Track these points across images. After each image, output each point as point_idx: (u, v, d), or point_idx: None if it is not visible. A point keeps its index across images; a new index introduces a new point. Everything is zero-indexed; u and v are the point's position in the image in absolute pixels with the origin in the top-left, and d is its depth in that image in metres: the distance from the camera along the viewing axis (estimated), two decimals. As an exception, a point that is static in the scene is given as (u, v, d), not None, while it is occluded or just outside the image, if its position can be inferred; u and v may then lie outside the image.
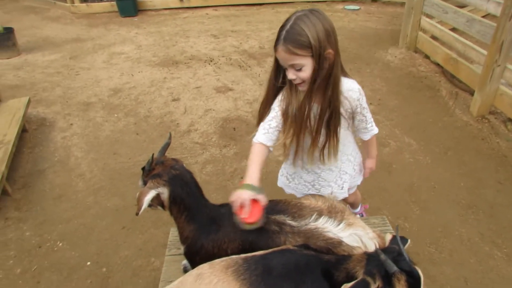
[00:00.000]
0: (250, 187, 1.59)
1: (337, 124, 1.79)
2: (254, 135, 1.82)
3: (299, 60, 1.59)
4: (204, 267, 1.45)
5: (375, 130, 1.98)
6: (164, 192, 1.65)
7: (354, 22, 7.29)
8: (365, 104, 1.84)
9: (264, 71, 5.34)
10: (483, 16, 4.64)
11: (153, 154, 1.70)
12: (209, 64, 5.65)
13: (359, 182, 2.27)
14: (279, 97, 1.80)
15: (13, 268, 2.64)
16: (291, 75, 1.64)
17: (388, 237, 1.49)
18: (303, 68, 1.61)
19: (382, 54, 5.75)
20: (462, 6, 5.05)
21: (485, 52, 4.03)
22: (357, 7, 8.13)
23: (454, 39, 4.72)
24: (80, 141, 3.98)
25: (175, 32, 7.12)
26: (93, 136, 4.05)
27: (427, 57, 5.42)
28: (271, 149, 1.83)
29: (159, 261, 2.58)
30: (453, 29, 4.92)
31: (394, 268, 1.23)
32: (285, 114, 1.78)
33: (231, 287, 1.36)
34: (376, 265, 1.28)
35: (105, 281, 2.52)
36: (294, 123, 1.77)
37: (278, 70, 1.74)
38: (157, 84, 5.09)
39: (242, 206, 1.54)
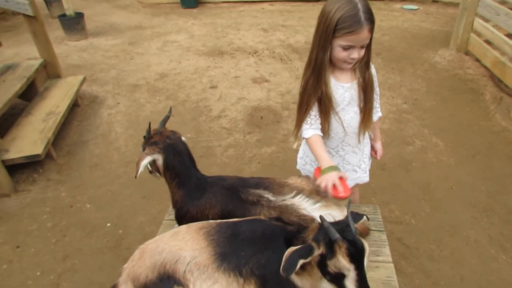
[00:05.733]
0: (333, 168, 1.71)
1: (373, 97, 1.85)
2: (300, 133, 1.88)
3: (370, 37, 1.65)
4: (182, 227, 1.63)
5: (379, 113, 2.02)
6: (159, 159, 1.84)
7: (409, 21, 7.12)
8: (377, 87, 1.89)
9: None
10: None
11: (150, 124, 1.90)
12: (252, 56, 5.82)
13: (366, 179, 2.18)
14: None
15: (46, 222, 2.99)
16: (356, 54, 1.66)
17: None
18: (366, 45, 1.66)
19: (431, 55, 5.59)
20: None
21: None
22: (415, 7, 7.91)
23: (504, 43, 4.53)
24: (122, 118, 4.33)
25: (228, 24, 7.37)
26: (134, 115, 4.39)
27: (477, 60, 5.22)
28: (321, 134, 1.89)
29: (168, 229, 2.81)
30: (508, 35, 4.71)
31: (336, 235, 1.32)
32: (318, 99, 1.82)
33: (199, 244, 1.53)
34: (324, 234, 1.39)
35: (119, 241, 2.79)
36: (325, 106, 1.81)
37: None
38: (200, 72, 5.35)
39: (334, 186, 1.66)
